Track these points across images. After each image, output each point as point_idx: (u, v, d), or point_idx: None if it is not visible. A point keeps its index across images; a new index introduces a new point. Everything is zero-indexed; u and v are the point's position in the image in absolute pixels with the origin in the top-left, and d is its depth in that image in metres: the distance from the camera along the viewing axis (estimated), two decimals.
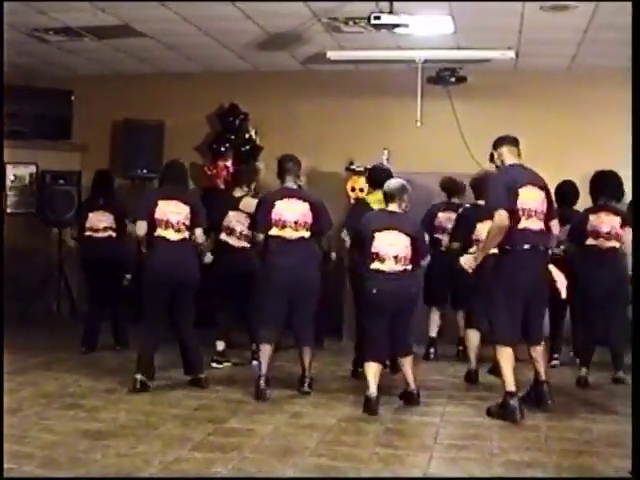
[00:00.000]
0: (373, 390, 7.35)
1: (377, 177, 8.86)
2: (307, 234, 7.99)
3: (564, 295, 7.35)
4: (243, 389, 8.03)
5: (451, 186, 10.25)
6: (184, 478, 5.46)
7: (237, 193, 9.49)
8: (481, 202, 8.43)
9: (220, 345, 9.38)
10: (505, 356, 7.10)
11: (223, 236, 9.36)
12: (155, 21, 9.92)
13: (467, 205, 9.44)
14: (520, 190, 7.15)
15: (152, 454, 5.85)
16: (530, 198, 7.20)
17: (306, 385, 8.03)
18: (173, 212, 8.13)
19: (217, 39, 10.85)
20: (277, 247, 7.96)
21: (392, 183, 7.82)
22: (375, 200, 8.56)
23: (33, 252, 12.54)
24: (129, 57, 11.91)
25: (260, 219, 8.09)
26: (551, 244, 7.44)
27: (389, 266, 7.48)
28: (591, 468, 5.78)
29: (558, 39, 10.32)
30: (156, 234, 8.11)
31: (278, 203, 7.98)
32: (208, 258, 9.35)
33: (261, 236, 8.05)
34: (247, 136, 12.48)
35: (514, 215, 7.08)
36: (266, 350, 7.88)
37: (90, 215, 10.00)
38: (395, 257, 7.48)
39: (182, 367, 8.31)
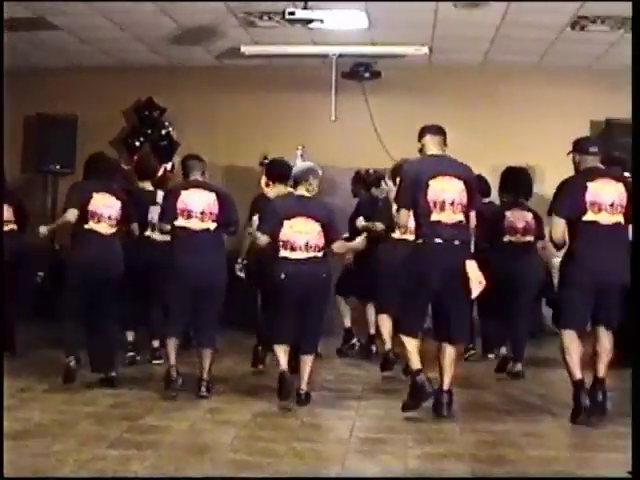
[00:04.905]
0: (284, 365, 7.42)
1: (275, 171, 8.80)
2: (213, 226, 7.77)
3: (474, 295, 6.95)
4: (159, 387, 7.97)
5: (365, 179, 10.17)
6: (99, 478, 5.41)
7: (148, 187, 9.41)
8: None
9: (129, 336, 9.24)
10: (409, 343, 6.97)
11: (148, 232, 9.09)
12: (69, 14, 9.82)
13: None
14: (431, 182, 6.91)
15: (67, 453, 5.77)
16: (443, 189, 6.92)
17: (204, 389, 7.70)
18: (105, 206, 8.04)
19: (131, 33, 10.77)
20: (183, 239, 7.79)
21: (299, 166, 7.95)
22: (274, 194, 8.51)
23: None
24: (42, 50, 11.75)
25: (167, 208, 7.98)
26: (470, 238, 7.13)
27: (298, 254, 7.40)
28: (506, 457, 5.85)
29: (471, 35, 10.46)
30: (87, 226, 7.98)
31: (184, 193, 7.82)
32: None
33: (168, 226, 7.93)
34: (164, 132, 12.41)
35: (423, 208, 6.93)
36: (172, 342, 7.75)
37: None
38: (306, 245, 7.40)
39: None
